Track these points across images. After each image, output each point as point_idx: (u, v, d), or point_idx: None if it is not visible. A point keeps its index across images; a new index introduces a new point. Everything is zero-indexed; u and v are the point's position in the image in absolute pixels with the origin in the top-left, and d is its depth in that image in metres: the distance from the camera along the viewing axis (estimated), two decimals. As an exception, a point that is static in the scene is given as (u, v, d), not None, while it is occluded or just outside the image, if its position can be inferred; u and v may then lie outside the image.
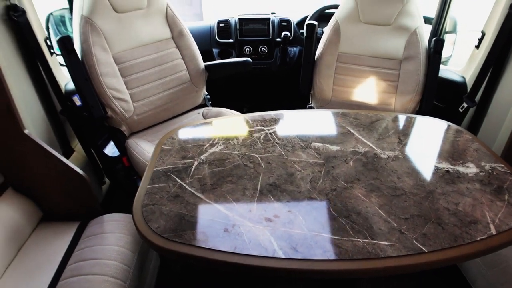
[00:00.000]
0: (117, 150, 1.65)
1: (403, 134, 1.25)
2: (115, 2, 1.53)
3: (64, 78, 1.70)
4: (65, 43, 1.40)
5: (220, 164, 1.03)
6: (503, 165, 1.09)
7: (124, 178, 1.69)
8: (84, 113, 1.55)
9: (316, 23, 1.77)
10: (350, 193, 0.94)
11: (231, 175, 0.99)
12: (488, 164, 1.09)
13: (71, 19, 2.05)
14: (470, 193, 0.96)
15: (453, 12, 2.04)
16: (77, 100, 1.60)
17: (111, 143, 1.70)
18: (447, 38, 2.14)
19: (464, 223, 0.86)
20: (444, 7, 1.96)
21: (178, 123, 1.76)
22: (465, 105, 1.68)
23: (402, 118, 1.37)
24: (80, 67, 1.44)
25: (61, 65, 1.69)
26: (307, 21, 2.08)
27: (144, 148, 1.50)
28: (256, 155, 1.08)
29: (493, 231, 0.84)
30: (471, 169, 1.07)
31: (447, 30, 2.09)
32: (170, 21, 1.70)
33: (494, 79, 1.58)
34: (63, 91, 1.63)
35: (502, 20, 1.50)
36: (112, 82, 1.50)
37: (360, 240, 0.80)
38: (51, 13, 1.98)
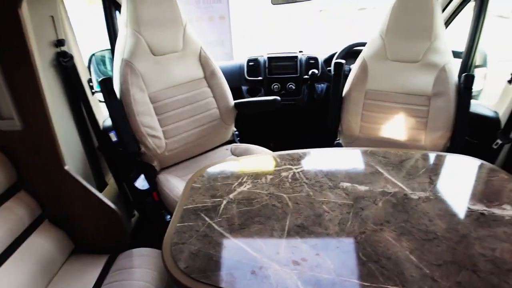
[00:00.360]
0: (147, 184, 1.71)
1: (434, 174, 1.22)
2: (153, 47, 1.64)
3: (102, 116, 1.81)
4: (106, 84, 1.51)
5: (248, 204, 1.05)
6: None
7: (153, 212, 1.74)
8: (119, 148, 1.64)
9: (343, 61, 1.81)
10: (380, 236, 0.92)
11: (259, 215, 1.00)
12: (527, 206, 1.04)
13: (111, 58, 2.22)
14: (508, 237, 0.92)
15: (483, 45, 2.02)
16: (113, 136, 1.70)
17: (142, 176, 1.77)
18: (478, 72, 2.12)
19: (502, 271, 0.82)
20: (473, 42, 1.95)
21: (207, 158, 1.81)
22: (499, 141, 1.63)
23: (432, 156, 1.35)
24: (118, 106, 1.54)
25: (100, 101, 1.81)
26: (334, 60, 2.13)
27: (174, 184, 1.55)
28: (284, 195, 1.09)
29: None
30: (508, 211, 1.02)
31: (477, 64, 2.07)
32: (203, 62, 1.79)
33: None
34: (101, 127, 1.74)
35: None
36: (147, 120, 1.58)
37: (391, 287, 0.78)
38: (94, 54, 2.16)
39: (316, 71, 2.15)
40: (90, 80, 1.70)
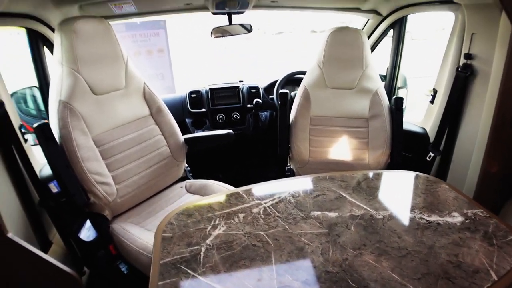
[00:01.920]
0: (93, 233, 1.56)
1: (390, 192, 1.32)
2: (94, 86, 1.53)
3: (38, 164, 1.62)
4: (44, 130, 1.35)
5: (228, 248, 1.02)
6: (481, 210, 1.18)
7: (107, 265, 1.58)
8: (61, 199, 1.48)
9: (288, 91, 1.89)
10: (361, 260, 0.96)
11: (242, 258, 0.98)
12: (469, 211, 1.18)
13: (33, 96, 2.02)
14: (464, 242, 1.03)
15: (402, 70, 2.29)
16: (53, 187, 1.52)
17: (86, 225, 1.61)
18: (400, 92, 2.38)
19: (469, 274, 0.91)
20: (395, 67, 2.20)
21: (162, 199, 1.71)
22: (431, 154, 1.84)
23: (385, 175, 1.46)
24: (60, 155, 1.39)
25: (32, 145, 1.62)
26: (279, 90, 2.22)
27: (133, 233, 1.43)
28: (262, 233, 1.08)
29: (494, 277, 0.90)
30: (457, 218, 1.15)
31: (399, 86, 2.33)
32: (148, 98, 1.72)
33: (453, 130, 1.76)
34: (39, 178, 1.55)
35: (451, 79, 1.71)
36: (94, 167, 1.45)
37: (386, 311, 0.81)
38: (15, 92, 1.95)
39: (259, 100, 2.21)
40: (21, 126, 1.52)
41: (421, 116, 2.06)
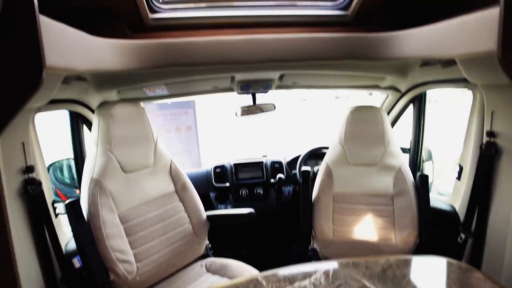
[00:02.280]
0: None
1: (419, 281, 1.24)
2: (124, 164, 1.61)
3: (64, 237, 1.67)
4: (74, 207, 1.41)
5: None
6: None
7: None
8: (83, 274, 1.49)
9: (309, 168, 1.91)
10: None
11: None
12: (509, 307, 1.08)
13: (68, 166, 2.15)
14: None
15: (426, 142, 2.28)
16: (76, 263, 1.55)
17: None
18: (426, 166, 2.34)
19: None
20: (418, 141, 2.20)
21: (181, 279, 1.69)
22: (463, 236, 1.73)
23: (412, 262, 1.39)
24: (86, 232, 1.44)
25: (63, 213, 1.69)
26: (300, 167, 2.25)
27: None
28: (280, 327, 1.03)
29: None
30: (495, 315, 1.05)
31: (424, 159, 2.30)
32: (174, 175, 1.78)
33: (484, 210, 1.67)
34: (64, 252, 1.58)
35: (475, 157, 1.67)
36: (118, 244, 1.48)
37: None
38: (54, 163, 2.08)
39: (282, 176, 2.23)
40: (54, 202, 1.60)
41: (449, 185, 1.98)
